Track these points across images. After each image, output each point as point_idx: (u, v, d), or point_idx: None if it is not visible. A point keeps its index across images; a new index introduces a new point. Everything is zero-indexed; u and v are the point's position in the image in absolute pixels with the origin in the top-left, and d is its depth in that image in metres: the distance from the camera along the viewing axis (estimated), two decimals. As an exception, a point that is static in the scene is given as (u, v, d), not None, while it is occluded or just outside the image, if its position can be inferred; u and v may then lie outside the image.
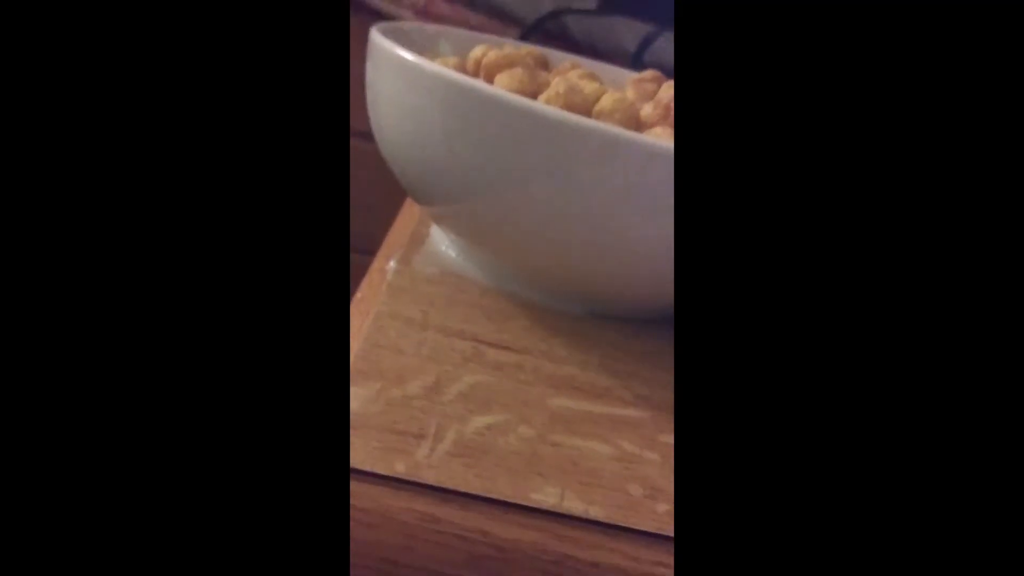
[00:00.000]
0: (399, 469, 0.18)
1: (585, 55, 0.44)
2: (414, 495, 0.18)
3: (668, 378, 0.25)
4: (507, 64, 0.26)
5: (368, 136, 0.28)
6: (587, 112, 0.24)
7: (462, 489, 0.18)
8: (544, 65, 0.34)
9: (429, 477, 0.18)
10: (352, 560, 0.18)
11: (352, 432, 0.18)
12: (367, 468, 0.18)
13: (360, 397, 0.20)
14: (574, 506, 0.19)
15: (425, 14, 0.87)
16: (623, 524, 0.19)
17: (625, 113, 0.24)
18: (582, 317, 0.27)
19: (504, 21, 0.86)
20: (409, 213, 0.33)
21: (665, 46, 0.65)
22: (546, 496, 0.19)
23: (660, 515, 0.19)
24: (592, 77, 0.27)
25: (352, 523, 0.17)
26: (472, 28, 0.87)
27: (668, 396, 0.23)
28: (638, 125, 0.25)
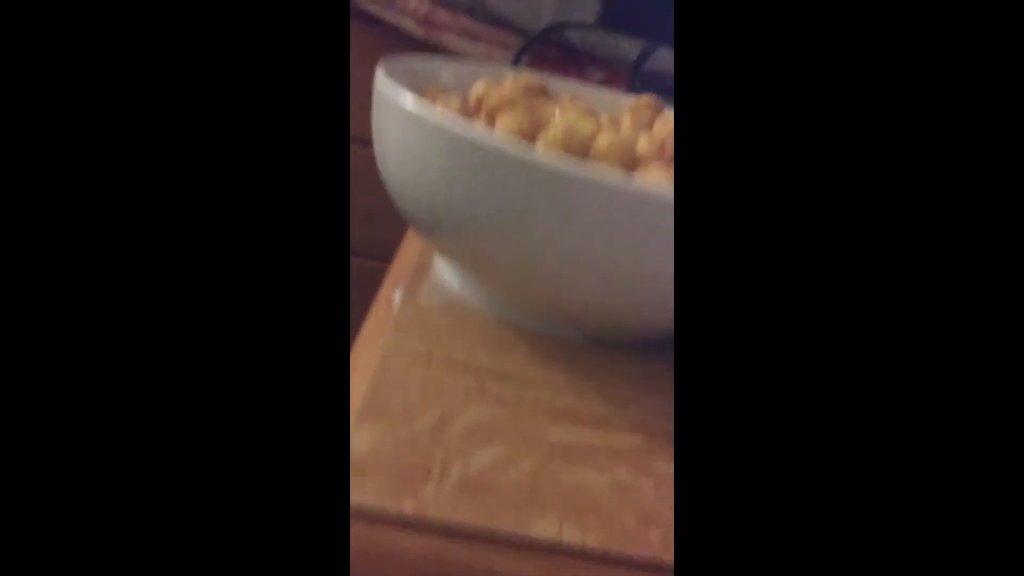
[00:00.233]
0: (408, 508, 0.19)
1: (584, 61, 0.45)
2: (422, 532, 0.19)
3: (664, 403, 0.26)
4: (510, 104, 0.27)
5: (366, 142, 0.29)
6: (584, 153, 0.25)
7: (467, 524, 0.19)
8: (543, 92, 0.35)
9: (436, 515, 0.19)
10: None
11: (364, 473, 0.20)
12: (378, 508, 0.19)
13: (371, 437, 0.21)
14: (572, 537, 0.20)
15: (427, 23, 0.88)
16: (619, 553, 0.20)
17: (621, 153, 0.25)
18: (581, 343, 0.28)
19: (505, 30, 0.87)
20: (413, 238, 0.34)
21: (666, 55, 0.66)
22: (546, 528, 0.20)
23: (654, 543, 0.20)
24: (589, 113, 0.28)
25: (363, 561, 0.18)
26: (473, 37, 0.88)
27: (663, 422, 0.25)
28: (634, 163, 0.26)
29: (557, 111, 0.28)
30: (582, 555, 0.20)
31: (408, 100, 0.24)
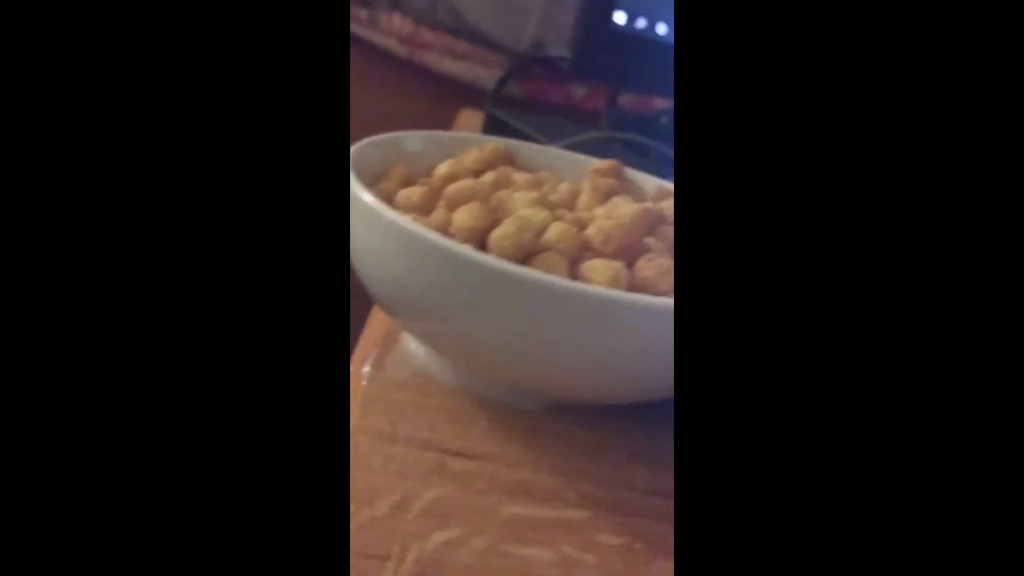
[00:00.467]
0: (366, 596, 0.21)
1: (568, 77, 0.47)
2: (378, 620, 0.21)
3: (612, 472, 0.28)
4: (467, 197, 0.29)
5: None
6: (535, 246, 0.27)
7: (420, 609, 0.21)
8: (509, 160, 0.37)
9: (391, 602, 0.21)
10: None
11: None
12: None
13: (335, 522, 0.23)
14: (517, 616, 0.22)
15: (410, 43, 0.89)
16: (560, 628, 0.22)
17: (569, 245, 0.27)
18: (541, 411, 0.30)
19: (488, 48, 0.89)
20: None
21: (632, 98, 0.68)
22: (493, 608, 0.22)
23: (592, 619, 0.22)
24: (542, 200, 0.30)
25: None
26: (457, 56, 0.90)
27: (610, 493, 0.27)
28: (583, 251, 0.28)
29: (515, 196, 0.30)
30: (525, 633, 0.22)
31: (366, 196, 0.26)
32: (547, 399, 0.30)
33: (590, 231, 0.29)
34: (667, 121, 0.61)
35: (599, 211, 0.32)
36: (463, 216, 0.27)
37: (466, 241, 0.28)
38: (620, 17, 0.47)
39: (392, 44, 0.89)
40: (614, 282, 0.26)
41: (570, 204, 0.33)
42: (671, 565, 0.25)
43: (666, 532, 0.26)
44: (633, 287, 0.27)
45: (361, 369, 0.30)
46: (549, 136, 0.53)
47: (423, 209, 0.30)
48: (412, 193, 0.30)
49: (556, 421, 0.30)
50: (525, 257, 0.27)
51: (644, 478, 0.28)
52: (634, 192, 0.37)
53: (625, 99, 0.60)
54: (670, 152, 0.51)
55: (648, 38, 0.48)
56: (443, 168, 0.32)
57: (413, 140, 0.37)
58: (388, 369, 0.30)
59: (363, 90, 0.83)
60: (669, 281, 0.27)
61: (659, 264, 0.27)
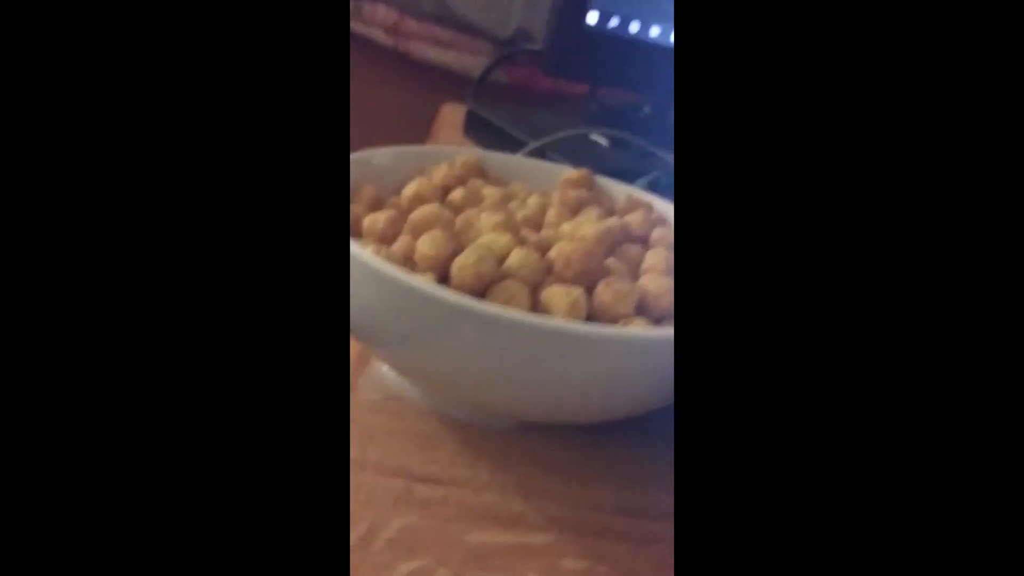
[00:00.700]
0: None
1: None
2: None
3: (580, 492, 0.28)
4: (431, 223, 0.29)
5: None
6: (495, 275, 0.27)
7: (384, 643, 0.22)
8: (480, 173, 0.37)
9: (355, 638, 0.22)
10: None
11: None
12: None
13: (302, 557, 0.24)
14: (480, 645, 0.23)
15: (396, 32, 0.89)
16: (522, 655, 0.23)
17: (531, 272, 0.28)
18: (509, 431, 0.31)
19: (474, 36, 0.88)
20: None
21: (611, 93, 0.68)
22: (456, 638, 0.23)
23: (554, 644, 0.23)
24: (508, 225, 0.30)
25: None
26: (443, 45, 0.90)
27: (575, 514, 0.27)
28: (544, 276, 0.28)
29: (482, 217, 0.30)
30: (488, 661, 0.23)
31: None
32: (515, 419, 0.30)
33: (552, 253, 0.29)
34: (649, 111, 0.61)
35: (565, 227, 0.32)
36: (426, 245, 0.28)
37: (429, 270, 0.28)
38: (593, 17, 0.47)
39: (377, 34, 0.89)
40: (573, 310, 0.26)
41: (538, 220, 0.34)
42: (633, 587, 0.25)
43: (628, 553, 0.26)
44: (592, 312, 0.27)
45: (333, 393, 0.31)
46: (530, 133, 0.53)
47: (388, 236, 0.30)
48: (377, 219, 0.31)
49: (525, 439, 0.30)
50: (487, 286, 0.27)
51: (610, 497, 0.28)
52: (604, 203, 0.37)
53: (605, 90, 0.60)
54: (649, 146, 0.51)
55: (622, 37, 0.48)
56: (410, 189, 0.33)
57: (382, 156, 0.37)
58: (360, 391, 0.31)
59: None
60: (628, 305, 0.27)
61: (617, 289, 0.27)
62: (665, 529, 0.28)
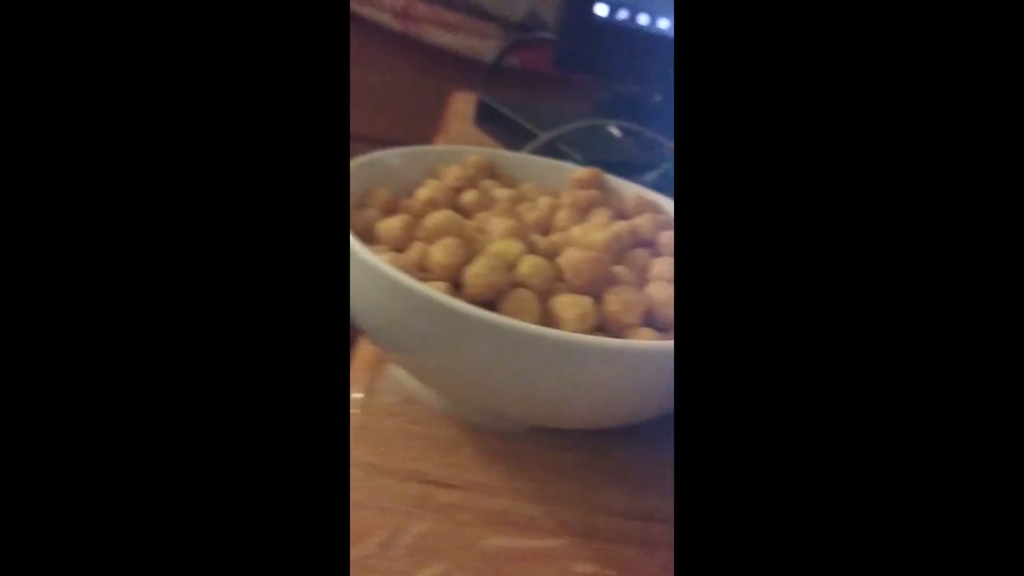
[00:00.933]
0: (352, 641, 0.23)
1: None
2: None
3: (591, 496, 0.29)
4: (444, 231, 0.30)
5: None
6: (506, 283, 0.28)
7: (404, 647, 0.23)
8: (491, 174, 0.38)
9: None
10: None
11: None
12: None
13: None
14: (496, 648, 0.24)
15: (404, 16, 0.88)
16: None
17: (542, 278, 0.28)
18: (524, 435, 0.31)
19: (483, 19, 0.88)
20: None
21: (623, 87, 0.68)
22: (473, 642, 0.24)
23: (567, 646, 0.24)
24: (518, 231, 0.30)
25: None
26: (452, 28, 0.89)
27: (587, 518, 0.28)
28: (554, 283, 0.29)
29: (493, 221, 0.31)
30: (503, 664, 0.24)
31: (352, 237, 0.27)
32: (527, 424, 0.31)
33: (562, 260, 0.29)
34: (660, 99, 0.60)
35: (575, 231, 0.33)
36: (439, 253, 0.28)
37: (442, 277, 0.29)
38: (602, 9, 0.47)
39: (385, 18, 0.88)
40: (582, 321, 0.27)
41: (548, 222, 0.34)
42: (644, 589, 0.26)
43: (637, 556, 0.27)
44: (601, 322, 0.28)
45: (352, 395, 0.31)
46: (541, 124, 0.53)
47: (403, 241, 0.31)
48: (393, 225, 0.31)
49: (539, 443, 0.31)
50: (498, 294, 0.28)
51: (620, 501, 0.29)
52: (614, 202, 0.38)
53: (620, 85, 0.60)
54: (659, 136, 0.51)
55: (631, 29, 0.48)
56: (424, 192, 0.33)
57: (392, 158, 0.37)
58: (378, 395, 0.32)
59: (357, 67, 0.83)
60: (635, 314, 0.28)
61: (625, 299, 0.27)
62: (672, 533, 0.28)
